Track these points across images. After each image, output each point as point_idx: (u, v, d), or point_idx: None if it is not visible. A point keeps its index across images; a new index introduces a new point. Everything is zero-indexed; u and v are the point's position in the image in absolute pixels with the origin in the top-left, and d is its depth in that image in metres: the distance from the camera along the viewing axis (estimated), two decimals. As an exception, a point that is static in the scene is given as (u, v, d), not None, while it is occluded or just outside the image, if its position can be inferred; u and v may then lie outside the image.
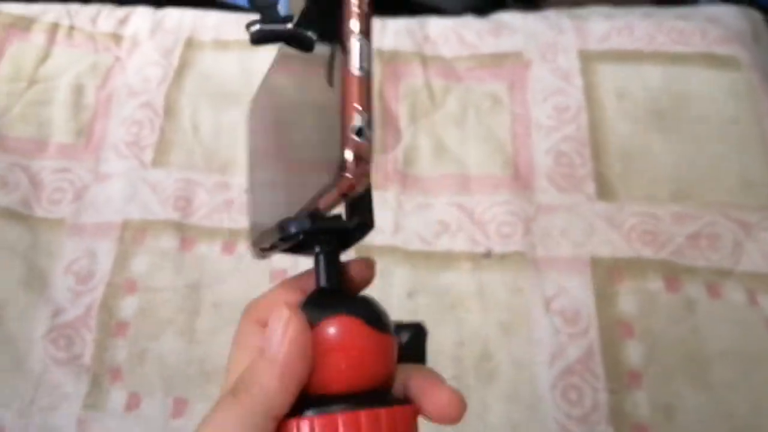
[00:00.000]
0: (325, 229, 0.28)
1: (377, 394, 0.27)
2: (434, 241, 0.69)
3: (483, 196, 0.70)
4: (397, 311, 0.65)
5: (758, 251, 0.65)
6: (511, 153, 0.73)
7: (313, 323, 0.27)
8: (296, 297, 0.30)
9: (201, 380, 0.63)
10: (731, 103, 0.74)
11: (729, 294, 0.63)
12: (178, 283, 0.68)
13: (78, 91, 0.81)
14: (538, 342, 0.62)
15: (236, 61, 0.83)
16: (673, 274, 0.64)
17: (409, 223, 0.70)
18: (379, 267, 0.71)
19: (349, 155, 0.23)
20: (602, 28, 0.81)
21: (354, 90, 0.24)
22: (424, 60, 0.82)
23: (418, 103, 0.78)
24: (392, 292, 0.66)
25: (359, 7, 0.25)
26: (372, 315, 0.28)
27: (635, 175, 0.70)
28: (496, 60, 0.81)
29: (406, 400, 0.28)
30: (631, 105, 0.75)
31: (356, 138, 0.23)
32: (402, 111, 0.78)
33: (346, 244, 0.30)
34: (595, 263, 0.65)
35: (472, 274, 0.66)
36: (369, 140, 0.24)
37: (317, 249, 0.29)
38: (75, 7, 0.90)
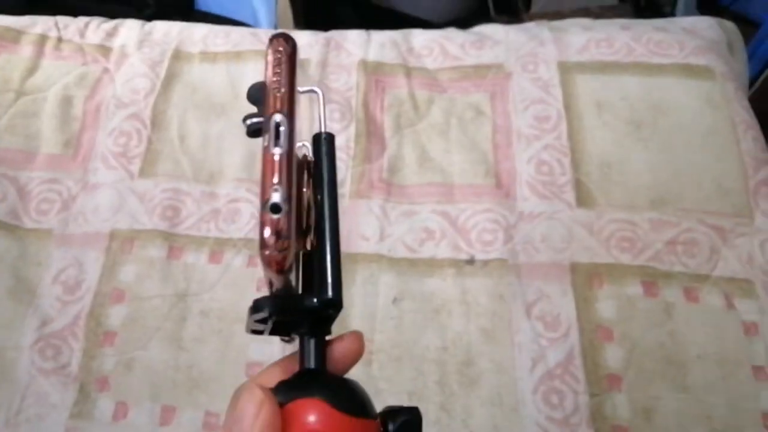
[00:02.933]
0: (286, 309, 0.28)
1: None
2: (419, 248, 0.70)
3: (466, 204, 0.72)
4: (382, 317, 0.66)
5: (734, 256, 0.67)
6: (493, 162, 0.75)
7: (283, 404, 0.26)
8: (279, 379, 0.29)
9: (188, 387, 0.63)
10: (707, 113, 0.76)
11: (706, 298, 0.65)
12: (165, 292, 0.68)
13: (66, 102, 0.82)
14: (520, 347, 0.63)
15: (223, 72, 0.84)
16: (651, 279, 0.66)
17: (394, 230, 0.71)
18: (365, 274, 0.73)
19: (267, 232, 0.24)
20: (581, 40, 0.83)
21: (271, 169, 0.25)
22: (408, 71, 0.83)
23: (403, 113, 0.80)
24: (378, 299, 0.67)
25: (277, 90, 0.26)
26: (344, 398, 0.27)
27: (614, 183, 0.72)
28: (479, 71, 0.82)
29: None
30: (610, 115, 0.76)
31: (273, 215, 0.24)
32: (387, 121, 0.79)
33: (325, 324, 0.30)
34: (575, 269, 0.67)
35: (456, 281, 0.67)
36: (288, 214, 0.24)
37: (299, 330, 0.29)
38: (64, 20, 0.91)
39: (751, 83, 1.43)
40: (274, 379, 0.29)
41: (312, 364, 0.29)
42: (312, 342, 0.29)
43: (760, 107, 0.81)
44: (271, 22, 1.42)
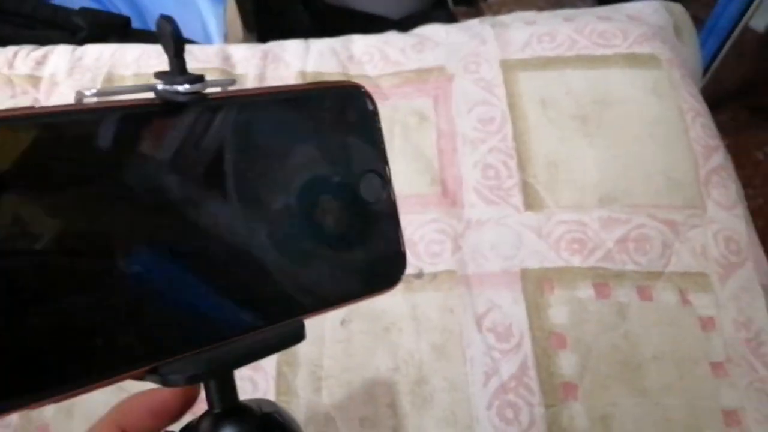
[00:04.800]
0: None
1: None
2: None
3: (412, 216, 0.70)
4: (330, 341, 0.64)
5: (687, 250, 0.65)
6: (438, 169, 0.73)
7: None
8: (169, 400, 0.27)
9: None
10: (654, 102, 0.74)
11: (660, 295, 0.63)
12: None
13: (-3, 137, 0.79)
14: (472, 361, 0.61)
15: (159, 94, 0.81)
16: (602, 280, 0.64)
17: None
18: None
19: None
20: (523, 36, 0.81)
21: None
22: (349, 79, 0.81)
23: (345, 124, 0.77)
24: (325, 322, 0.65)
25: None
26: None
27: (561, 182, 0.70)
28: (421, 75, 0.80)
29: None
30: (555, 112, 0.74)
31: None
32: (329, 134, 0.77)
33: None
34: (525, 275, 0.65)
35: (405, 296, 0.65)
36: None
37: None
38: (-8, 51, 0.88)
39: (714, 58, 1.42)
40: (165, 400, 0.27)
41: (218, 406, 0.26)
42: (214, 382, 0.26)
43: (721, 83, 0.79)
44: (221, 33, 1.39)
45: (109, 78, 0.83)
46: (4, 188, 0.19)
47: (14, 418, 0.62)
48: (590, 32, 0.80)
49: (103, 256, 0.21)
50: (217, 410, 0.26)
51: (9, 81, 0.84)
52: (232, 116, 0.23)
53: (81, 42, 0.90)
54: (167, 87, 0.22)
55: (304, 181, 0.24)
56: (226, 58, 0.84)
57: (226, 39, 1.34)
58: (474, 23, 0.87)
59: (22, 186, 0.20)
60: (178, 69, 0.22)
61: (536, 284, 0.64)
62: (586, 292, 0.64)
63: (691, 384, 0.60)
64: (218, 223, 0.23)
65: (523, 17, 0.87)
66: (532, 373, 0.60)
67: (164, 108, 0.23)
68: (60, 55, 0.86)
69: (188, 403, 0.27)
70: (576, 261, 0.65)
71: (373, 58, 0.83)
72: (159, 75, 0.23)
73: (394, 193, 0.23)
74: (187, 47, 0.25)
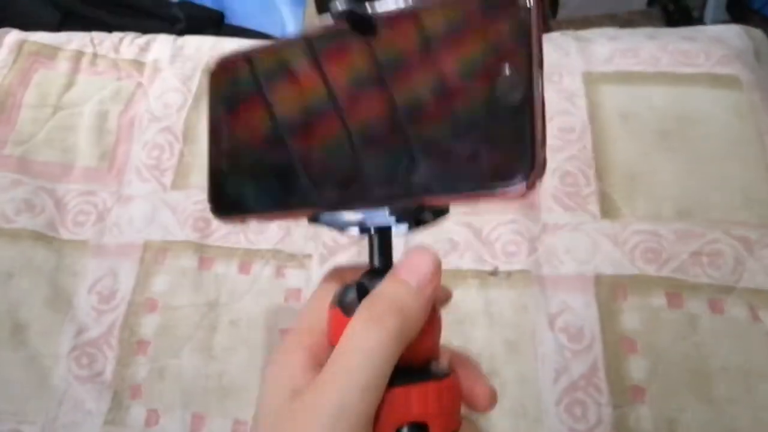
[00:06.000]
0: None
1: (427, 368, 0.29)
2: (443, 259, 0.70)
3: (490, 215, 0.72)
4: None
5: (760, 268, 0.67)
6: (517, 173, 0.75)
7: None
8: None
9: (218, 396, 0.65)
10: (734, 123, 0.76)
11: (731, 310, 0.65)
12: (196, 302, 0.70)
13: (101, 116, 0.85)
14: (543, 358, 0.64)
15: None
16: (675, 290, 0.66)
17: (419, 242, 0.72)
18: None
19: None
20: (606, 50, 0.83)
21: None
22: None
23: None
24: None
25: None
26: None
27: (639, 194, 0.72)
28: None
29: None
30: (635, 125, 0.76)
31: None
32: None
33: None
34: (599, 281, 0.67)
35: (479, 292, 0.68)
36: None
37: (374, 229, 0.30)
38: (98, 36, 0.94)
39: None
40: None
41: (378, 263, 0.30)
42: (377, 238, 0.30)
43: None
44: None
45: (208, 69, 0.88)
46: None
47: (109, 376, 0.67)
48: (673, 50, 0.82)
49: (319, 121, 0.29)
50: (378, 266, 0.30)
51: (115, 65, 0.89)
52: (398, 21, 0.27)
53: (179, 33, 0.96)
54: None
55: (452, 72, 0.26)
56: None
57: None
58: (556, 35, 0.89)
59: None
60: None
61: (610, 290, 0.66)
62: (659, 300, 0.65)
63: (758, 397, 0.61)
64: (385, 107, 0.27)
65: (605, 33, 0.89)
66: (601, 374, 0.62)
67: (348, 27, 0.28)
68: (162, 43, 0.92)
69: None
70: (650, 270, 0.67)
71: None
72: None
73: (539, 98, 0.23)
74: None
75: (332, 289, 0.30)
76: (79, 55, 0.91)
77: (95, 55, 0.91)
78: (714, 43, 0.84)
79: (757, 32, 0.89)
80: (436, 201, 0.27)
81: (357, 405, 0.25)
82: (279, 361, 0.29)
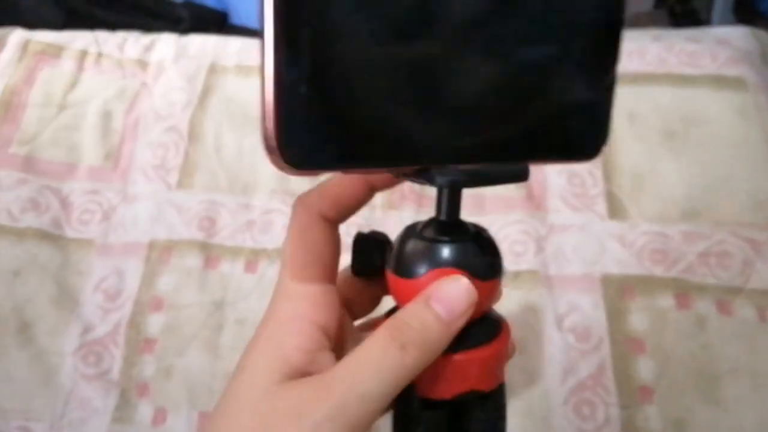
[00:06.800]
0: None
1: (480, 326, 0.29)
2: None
3: (497, 216, 0.72)
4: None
5: (767, 269, 0.67)
6: (524, 173, 0.75)
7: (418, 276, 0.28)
8: (361, 190, 0.30)
9: (225, 395, 0.65)
10: (740, 124, 0.76)
11: (739, 311, 0.65)
12: (202, 301, 0.70)
13: (106, 115, 0.85)
14: (551, 358, 0.64)
15: (257, 85, 0.86)
16: (683, 291, 0.66)
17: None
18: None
19: None
20: (612, 51, 0.83)
21: None
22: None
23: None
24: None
25: None
26: (481, 264, 0.29)
27: (646, 194, 0.72)
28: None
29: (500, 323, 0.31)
30: (642, 126, 0.76)
31: None
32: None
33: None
34: (607, 281, 0.67)
35: (487, 292, 0.68)
36: None
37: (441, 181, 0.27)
38: (103, 35, 0.94)
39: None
40: (357, 187, 0.30)
41: (445, 216, 0.30)
42: (448, 192, 0.30)
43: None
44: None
45: (212, 68, 0.88)
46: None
47: (116, 374, 0.66)
48: (679, 52, 0.82)
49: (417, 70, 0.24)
50: (443, 218, 0.30)
51: (119, 64, 0.89)
52: None
53: (183, 32, 0.96)
54: None
55: (536, 45, 0.27)
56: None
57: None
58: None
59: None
60: None
61: (617, 290, 0.66)
62: (666, 301, 0.65)
63: (766, 398, 0.61)
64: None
65: (610, 34, 0.89)
66: (609, 374, 0.62)
67: None
68: (166, 42, 0.92)
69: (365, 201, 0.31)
70: (658, 271, 0.67)
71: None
72: None
73: (615, 74, 0.27)
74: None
75: (319, 236, 0.29)
76: (83, 54, 0.91)
77: (100, 55, 0.91)
78: (720, 45, 0.84)
79: (764, 34, 0.89)
80: (533, 164, 0.28)
81: (355, 414, 0.24)
82: (272, 338, 0.28)
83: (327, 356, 0.28)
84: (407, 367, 0.25)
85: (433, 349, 0.26)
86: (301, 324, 0.28)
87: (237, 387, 0.27)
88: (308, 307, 0.28)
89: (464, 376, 0.28)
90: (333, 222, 0.30)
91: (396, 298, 0.30)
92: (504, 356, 0.30)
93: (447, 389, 0.28)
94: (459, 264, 0.28)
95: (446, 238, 0.29)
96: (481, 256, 0.29)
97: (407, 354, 0.25)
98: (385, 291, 0.32)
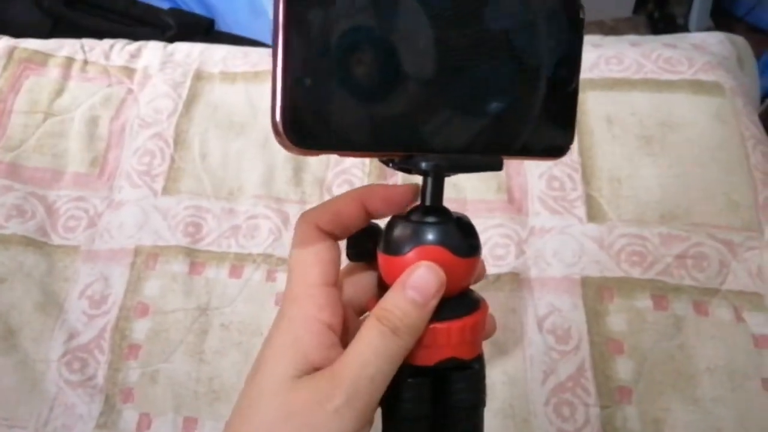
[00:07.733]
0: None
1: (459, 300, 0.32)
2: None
3: (478, 219, 0.73)
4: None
5: (743, 270, 0.68)
6: (505, 178, 0.76)
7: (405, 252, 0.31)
8: (357, 212, 0.33)
9: (210, 399, 0.66)
10: (717, 128, 0.77)
11: (715, 311, 0.66)
12: (187, 306, 0.71)
13: (92, 122, 0.85)
14: (531, 360, 0.65)
15: (242, 92, 0.87)
16: (660, 292, 0.67)
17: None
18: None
19: None
20: (591, 56, 0.84)
21: None
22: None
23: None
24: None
25: None
26: (461, 243, 0.31)
27: (624, 198, 0.73)
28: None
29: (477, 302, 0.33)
30: (620, 130, 0.78)
31: None
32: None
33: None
34: (586, 283, 0.68)
35: (469, 295, 0.69)
36: None
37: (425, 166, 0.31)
38: (89, 42, 0.94)
39: (765, 95, 1.44)
40: (353, 209, 0.33)
41: (429, 201, 0.32)
42: (433, 180, 0.32)
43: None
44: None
45: (198, 75, 0.89)
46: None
47: (100, 380, 0.67)
48: (657, 58, 0.83)
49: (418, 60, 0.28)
50: (428, 203, 0.32)
51: (105, 71, 0.90)
52: None
53: (169, 40, 0.97)
54: None
55: (518, 57, 0.31)
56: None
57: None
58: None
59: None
60: None
61: (596, 292, 0.67)
62: (644, 302, 0.66)
63: (743, 397, 0.62)
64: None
65: (590, 40, 0.90)
66: (589, 374, 0.63)
67: None
68: (152, 50, 0.92)
69: (410, 201, 0.34)
70: (636, 273, 0.68)
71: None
72: None
73: (577, 83, 0.33)
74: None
75: (319, 246, 0.32)
76: (69, 61, 0.92)
77: (86, 62, 0.92)
78: (696, 51, 0.85)
79: (740, 39, 0.91)
80: (507, 158, 0.32)
81: (367, 393, 0.29)
82: (287, 337, 0.31)
83: (336, 351, 0.31)
84: (401, 346, 0.30)
85: (417, 327, 0.30)
86: (311, 324, 0.31)
87: (259, 382, 0.30)
88: (314, 308, 0.31)
89: (445, 342, 0.31)
90: (332, 237, 0.34)
91: (385, 275, 0.32)
92: (481, 328, 0.33)
93: (429, 356, 0.31)
94: (441, 242, 0.31)
95: (430, 220, 0.31)
96: (460, 237, 0.31)
97: (399, 335, 0.30)
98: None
